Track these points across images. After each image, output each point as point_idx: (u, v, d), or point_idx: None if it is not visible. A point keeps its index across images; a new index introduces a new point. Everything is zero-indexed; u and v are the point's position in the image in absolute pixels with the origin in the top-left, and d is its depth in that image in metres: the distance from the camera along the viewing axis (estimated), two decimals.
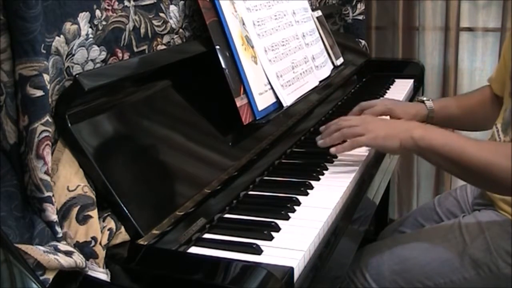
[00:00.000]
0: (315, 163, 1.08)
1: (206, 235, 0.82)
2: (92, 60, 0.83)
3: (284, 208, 0.89)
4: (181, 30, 1.06)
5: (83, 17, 0.80)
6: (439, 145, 1.00)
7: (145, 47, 0.96)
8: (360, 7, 1.98)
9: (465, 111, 1.36)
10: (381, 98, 1.34)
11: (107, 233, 0.71)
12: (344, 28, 2.01)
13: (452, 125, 1.43)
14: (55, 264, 0.63)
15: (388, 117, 1.26)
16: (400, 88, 1.73)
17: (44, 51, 0.69)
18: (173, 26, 1.03)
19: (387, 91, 1.70)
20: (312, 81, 1.35)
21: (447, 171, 1.04)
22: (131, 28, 0.92)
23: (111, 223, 0.73)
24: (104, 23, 0.85)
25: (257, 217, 0.87)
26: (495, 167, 0.95)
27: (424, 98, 1.38)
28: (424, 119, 1.35)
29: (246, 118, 1.04)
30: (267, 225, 0.83)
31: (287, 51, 1.27)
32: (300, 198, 0.93)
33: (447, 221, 1.31)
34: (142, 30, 0.95)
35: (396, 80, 1.83)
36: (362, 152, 1.12)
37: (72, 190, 0.72)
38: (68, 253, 0.66)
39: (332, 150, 1.07)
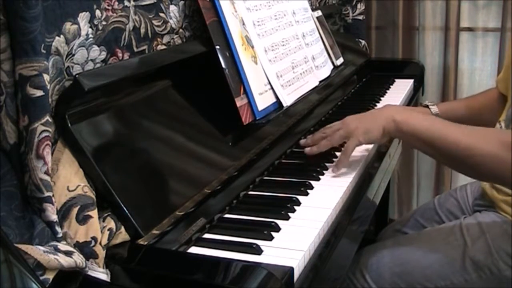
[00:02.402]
0: (315, 163, 1.08)
1: (206, 235, 0.82)
2: (92, 60, 0.83)
3: (284, 208, 0.89)
4: (181, 30, 1.06)
5: (83, 17, 0.80)
6: (422, 129, 1.00)
7: (145, 47, 0.96)
8: (360, 7, 1.98)
9: (471, 114, 1.35)
10: (385, 105, 1.34)
11: (107, 233, 0.71)
12: (344, 28, 2.01)
13: None
14: (55, 264, 0.63)
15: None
16: (400, 88, 1.73)
17: (44, 51, 0.69)
18: (173, 26, 1.03)
19: (387, 91, 1.70)
20: (312, 81, 1.35)
21: (429, 155, 1.04)
22: (131, 28, 0.92)
23: (111, 223, 0.73)
24: (104, 23, 0.85)
25: (257, 217, 0.87)
26: (477, 152, 0.94)
27: (428, 103, 1.37)
28: None
29: (246, 118, 1.04)
30: (267, 225, 0.83)
31: (287, 51, 1.27)
32: (300, 198, 0.93)
33: (448, 223, 1.30)
34: (142, 30, 0.95)
35: (396, 80, 1.83)
36: (362, 152, 1.12)
37: (72, 190, 0.71)
38: (68, 253, 0.66)
39: (334, 169, 1.07)
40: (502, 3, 2.00)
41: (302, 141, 1.13)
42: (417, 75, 1.88)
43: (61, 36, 0.76)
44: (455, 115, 1.36)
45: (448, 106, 1.39)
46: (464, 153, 0.96)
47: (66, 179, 0.72)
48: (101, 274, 0.69)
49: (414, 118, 1.02)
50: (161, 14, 1.00)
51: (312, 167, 1.06)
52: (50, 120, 0.70)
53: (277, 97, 1.17)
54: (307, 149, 1.10)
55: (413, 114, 1.05)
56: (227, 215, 0.89)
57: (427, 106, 1.36)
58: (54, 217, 0.69)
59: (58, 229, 0.69)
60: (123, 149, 0.82)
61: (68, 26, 0.77)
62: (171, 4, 1.03)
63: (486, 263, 1.09)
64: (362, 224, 1.02)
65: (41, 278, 0.61)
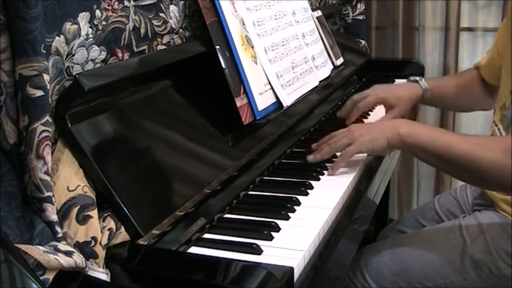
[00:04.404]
0: (315, 163, 1.08)
1: (206, 235, 0.82)
2: (92, 60, 0.83)
3: (284, 208, 0.89)
4: (181, 30, 1.06)
5: (83, 17, 0.80)
6: (426, 141, 1.00)
7: (145, 47, 0.96)
8: (360, 7, 1.98)
9: (457, 90, 1.39)
10: (373, 86, 1.34)
11: (107, 233, 0.71)
12: (344, 28, 2.01)
13: (445, 104, 1.44)
14: (55, 264, 0.63)
15: (380, 113, 1.27)
16: None
17: (44, 51, 0.69)
18: (173, 26, 1.03)
19: None
20: (312, 81, 1.35)
21: (435, 167, 1.05)
22: (131, 28, 0.92)
23: (111, 223, 0.73)
24: (104, 23, 0.85)
25: (257, 217, 0.87)
26: (482, 161, 0.95)
27: (418, 78, 1.38)
28: (420, 99, 1.36)
29: (246, 118, 1.04)
30: (267, 225, 0.83)
31: (287, 51, 1.27)
32: (300, 198, 0.93)
33: (447, 222, 1.31)
34: (142, 30, 0.95)
35: (396, 80, 1.82)
36: None
37: (72, 190, 0.72)
38: (68, 253, 0.66)
39: (329, 171, 1.07)
40: (502, 3, 2.00)
41: (309, 157, 1.10)
42: (417, 75, 1.87)
43: (61, 36, 0.76)
44: (444, 91, 1.39)
45: (439, 83, 1.41)
46: (469, 163, 0.96)
47: (66, 179, 0.72)
48: (101, 274, 0.69)
49: (419, 131, 1.02)
50: (161, 14, 1.00)
51: (312, 167, 1.06)
52: (50, 120, 0.70)
53: (277, 97, 1.17)
54: (310, 157, 1.09)
55: (417, 126, 1.06)
56: (227, 215, 0.89)
57: (416, 81, 1.37)
58: (54, 217, 0.69)
59: (58, 229, 0.69)
60: (123, 149, 0.82)
61: (68, 26, 0.77)
62: (171, 4, 1.03)
63: (485, 261, 1.09)
64: (362, 224, 1.02)
65: (41, 278, 0.61)
